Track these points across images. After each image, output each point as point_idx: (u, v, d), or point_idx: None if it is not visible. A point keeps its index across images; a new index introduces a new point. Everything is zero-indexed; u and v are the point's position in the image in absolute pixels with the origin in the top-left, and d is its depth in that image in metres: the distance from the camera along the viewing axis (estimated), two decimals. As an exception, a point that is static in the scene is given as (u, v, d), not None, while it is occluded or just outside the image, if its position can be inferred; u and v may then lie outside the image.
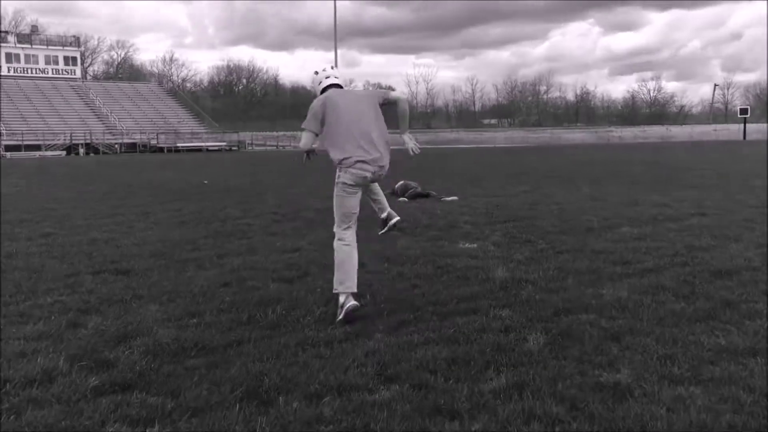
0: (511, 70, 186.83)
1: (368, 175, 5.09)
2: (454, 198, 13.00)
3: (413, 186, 13.46)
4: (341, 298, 5.07)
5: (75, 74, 77.25)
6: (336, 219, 5.28)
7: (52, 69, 75.27)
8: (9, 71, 71.65)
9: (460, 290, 5.90)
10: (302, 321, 5.04)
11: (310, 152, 5.36)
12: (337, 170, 5.14)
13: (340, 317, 4.98)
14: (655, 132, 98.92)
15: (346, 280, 5.09)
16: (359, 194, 5.21)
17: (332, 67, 5.46)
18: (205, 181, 17.32)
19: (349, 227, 5.24)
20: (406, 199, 12.86)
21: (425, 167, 24.14)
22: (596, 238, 8.44)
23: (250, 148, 71.63)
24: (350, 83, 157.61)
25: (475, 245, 8.17)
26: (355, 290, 5.12)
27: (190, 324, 4.97)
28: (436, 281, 6.31)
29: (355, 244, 5.26)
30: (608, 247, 7.74)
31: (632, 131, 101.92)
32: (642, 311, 5.18)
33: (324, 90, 5.33)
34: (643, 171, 20.87)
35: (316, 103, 5.17)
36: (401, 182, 13.86)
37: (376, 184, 5.62)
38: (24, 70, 73.30)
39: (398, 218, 6.21)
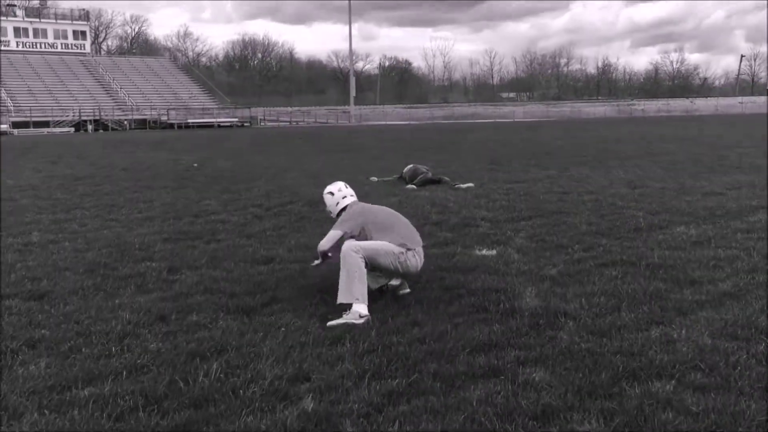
0: (530, 42, 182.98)
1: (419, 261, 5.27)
2: (470, 185, 11.32)
3: (423, 171, 11.79)
4: (356, 309, 4.67)
5: (84, 49, 75.83)
6: (367, 248, 5.03)
7: (61, 43, 73.89)
8: (17, 46, 70.42)
9: (475, 331, 4.29)
10: (243, 394, 3.45)
11: (325, 256, 5.32)
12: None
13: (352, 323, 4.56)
14: (679, 105, 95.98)
15: (360, 293, 4.77)
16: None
17: (346, 186, 5.57)
18: (195, 164, 15.77)
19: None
20: (414, 186, 11.20)
21: (439, 146, 22.39)
22: (646, 242, 6.76)
23: (262, 123, 70.06)
24: (366, 57, 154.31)
25: (495, 252, 6.54)
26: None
27: (77, 400, 3.39)
28: (442, 314, 4.69)
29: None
30: (666, 258, 6.06)
31: (655, 104, 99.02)
32: (739, 375, 3.54)
33: (344, 209, 5.45)
34: (677, 148, 19.00)
35: (352, 212, 5.36)
36: (410, 165, 12.19)
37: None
38: (33, 45, 71.99)
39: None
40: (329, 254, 5.27)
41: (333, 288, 4.83)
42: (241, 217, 8.54)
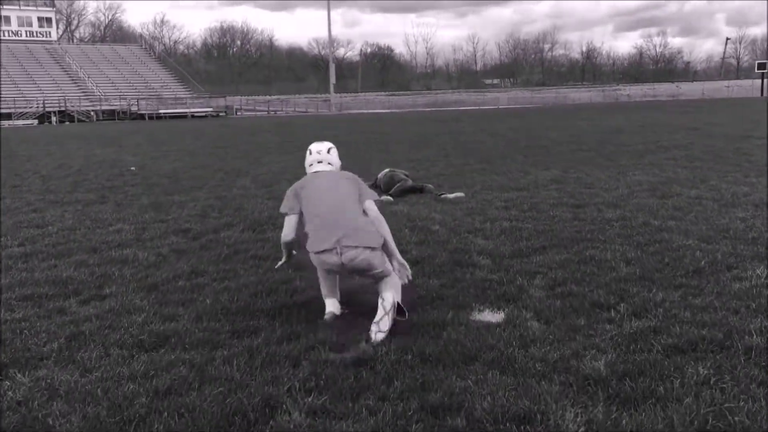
0: (514, 27, 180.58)
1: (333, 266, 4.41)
2: (459, 195, 9.14)
3: (402, 177, 9.59)
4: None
5: (50, 36, 72.54)
6: None
7: (26, 31, 70.58)
8: (-21, 34, 67.04)
9: None
10: None
11: (289, 252, 4.85)
12: None
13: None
14: (665, 90, 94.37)
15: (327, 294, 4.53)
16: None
17: (329, 151, 4.74)
18: (133, 168, 13.45)
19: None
20: (390, 197, 9.00)
21: (421, 138, 20.19)
22: (722, 297, 4.63)
23: (238, 113, 67.39)
24: (347, 44, 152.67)
25: (502, 316, 4.40)
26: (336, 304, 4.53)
27: None
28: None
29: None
30: (763, 336, 3.93)
31: (641, 89, 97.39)
32: None
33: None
34: (688, 140, 16.94)
35: (291, 188, 4.73)
36: (386, 171, 10.00)
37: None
38: (-5, 33, 68.62)
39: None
40: (293, 250, 4.80)
41: None
42: (154, 252, 6.29)
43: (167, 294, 5.02)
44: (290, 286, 5.14)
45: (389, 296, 4.23)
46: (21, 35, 70.06)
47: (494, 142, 18.46)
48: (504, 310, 4.53)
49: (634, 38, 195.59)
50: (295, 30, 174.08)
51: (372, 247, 4.31)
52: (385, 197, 8.93)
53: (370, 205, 4.54)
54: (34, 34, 71.05)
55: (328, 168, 4.71)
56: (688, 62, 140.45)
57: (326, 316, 4.42)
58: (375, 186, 9.93)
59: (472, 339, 4.01)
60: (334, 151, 4.79)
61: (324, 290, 4.57)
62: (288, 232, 4.63)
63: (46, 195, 9.95)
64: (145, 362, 3.79)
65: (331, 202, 4.43)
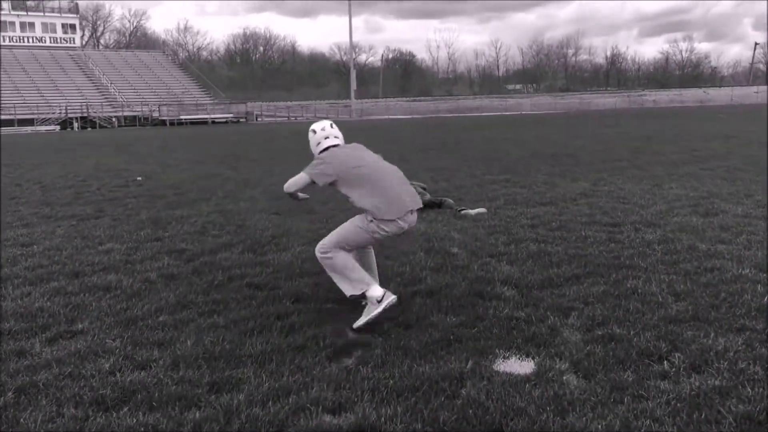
0: (537, 32, 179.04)
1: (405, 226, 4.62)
2: (481, 211, 8.42)
3: (419, 191, 8.89)
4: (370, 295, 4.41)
5: (74, 42, 73.05)
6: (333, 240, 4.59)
7: (50, 37, 71.15)
8: (4, 40, 67.59)
9: None
10: None
11: (294, 196, 4.89)
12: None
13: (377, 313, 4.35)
14: (692, 95, 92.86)
15: (360, 278, 4.49)
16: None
17: (331, 125, 4.91)
18: (139, 178, 12.89)
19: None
20: (406, 213, 8.30)
21: (442, 146, 19.48)
22: (796, 345, 3.88)
23: (259, 119, 67.20)
24: (369, 50, 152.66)
25: (532, 367, 3.71)
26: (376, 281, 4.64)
27: None
28: None
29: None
30: None
31: (667, 95, 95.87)
32: None
33: (324, 151, 4.76)
34: (724, 149, 16.04)
35: (328, 155, 4.69)
36: (402, 183, 9.29)
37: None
38: (20, 39, 69.28)
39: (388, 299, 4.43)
40: (298, 196, 4.88)
41: None
42: (141, 277, 5.66)
43: (145, 331, 4.37)
44: (286, 322, 4.47)
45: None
46: (45, 41, 70.62)
47: (518, 150, 17.69)
48: (534, 359, 3.82)
49: (659, 43, 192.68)
50: (317, 36, 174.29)
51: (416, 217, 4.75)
52: (400, 213, 8.23)
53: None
54: (58, 40, 71.58)
55: (341, 141, 4.88)
56: (715, 67, 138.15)
57: (390, 300, 4.40)
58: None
59: (496, 400, 3.31)
60: (336, 126, 4.96)
61: (364, 277, 4.51)
62: (294, 188, 4.68)
63: (41, 208, 9.37)
64: (100, 427, 3.14)
65: (394, 175, 4.69)
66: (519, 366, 3.76)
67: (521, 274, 5.48)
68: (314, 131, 4.87)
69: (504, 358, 3.86)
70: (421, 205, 4.76)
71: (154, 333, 4.34)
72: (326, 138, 4.81)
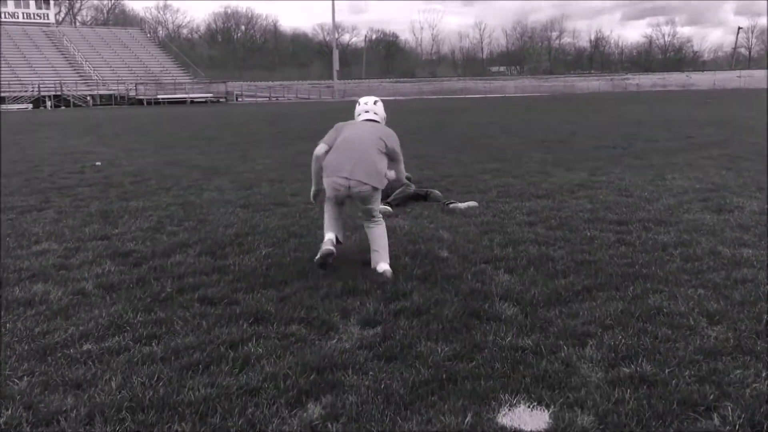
0: (521, 15, 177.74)
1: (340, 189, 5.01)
2: (473, 204, 7.60)
3: (404, 181, 8.04)
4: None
5: (48, 18, 70.79)
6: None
7: (23, 13, 68.84)
8: (-26, 16, 65.35)
9: None
10: None
11: (316, 195, 5.41)
12: None
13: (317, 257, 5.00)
14: (675, 79, 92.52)
15: (327, 228, 5.18)
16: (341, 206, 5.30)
17: (375, 102, 5.49)
18: (98, 163, 11.90)
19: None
20: (389, 207, 7.46)
21: (425, 132, 18.62)
22: None
23: (239, 99, 65.81)
24: (353, 30, 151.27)
25: (546, 420, 2.92)
26: (333, 236, 5.16)
27: None
28: None
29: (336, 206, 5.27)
30: None
31: (651, 78, 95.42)
32: None
33: None
34: (720, 135, 15.34)
35: (338, 125, 5.37)
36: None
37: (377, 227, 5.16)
38: (-9, 15, 66.97)
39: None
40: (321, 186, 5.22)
41: None
42: (74, 288, 4.77)
43: (63, 366, 3.51)
44: (240, 353, 3.63)
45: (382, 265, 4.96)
46: (18, 17, 68.38)
47: (506, 136, 16.87)
48: (548, 407, 3.03)
49: (641, 27, 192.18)
50: (300, 16, 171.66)
51: (375, 187, 5.01)
52: (382, 207, 7.39)
53: (397, 171, 5.43)
54: (32, 16, 69.34)
55: (374, 118, 5.38)
56: (696, 51, 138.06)
57: (323, 246, 5.00)
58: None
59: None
60: (380, 104, 5.50)
61: (326, 225, 5.20)
62: (320, 153, 5.12)
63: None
64: None
65: (359, 144, 5.03)
66: (530, 418, 2.97)
67: (523, 286, 4.67)
68: (358, 103, 5.51)
69: (510, 406, 3.06)
70: (372, 184, 4.97)
71: (73, 369, 3.48)
72: (365, 112, 5.40)
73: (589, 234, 6.15)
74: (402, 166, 5.44)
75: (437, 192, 8.04)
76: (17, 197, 8.35)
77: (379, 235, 5.07)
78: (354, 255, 5.43)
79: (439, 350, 3.65)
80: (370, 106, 5.40)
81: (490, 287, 4.65)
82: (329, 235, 5.10)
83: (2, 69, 59.29)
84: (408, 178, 8.35)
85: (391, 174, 5.30)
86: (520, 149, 13.50)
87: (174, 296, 4.56)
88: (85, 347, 3.74)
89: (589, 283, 4.70)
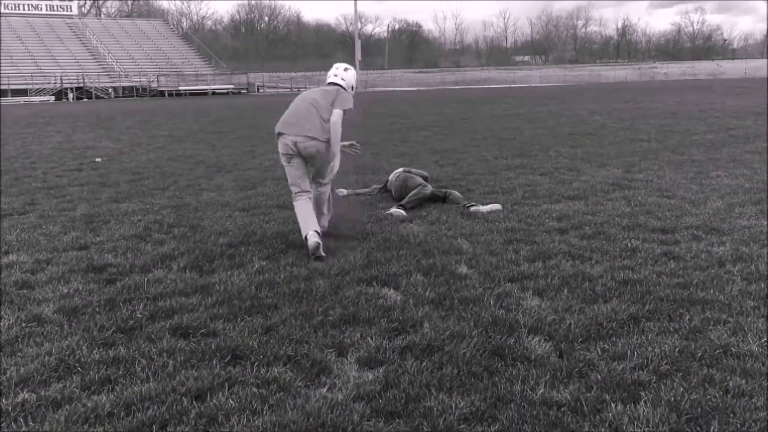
0: (546, 3, 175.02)
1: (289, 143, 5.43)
2: (495, 208, 6.82)
3: (419, 181, 7.29)
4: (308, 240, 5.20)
5: (71, 10, 70.83)
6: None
7: (46, 5, 68.91)
8: (-1, 8, 65.52)
9: None
10: None
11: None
12: None
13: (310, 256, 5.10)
14: (704, 68, 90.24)
15: (305, 226, 5.30)
16: (296, 165, 5.51)
17: (345, 69, 5.75)
18: (98, 159, 11.29)
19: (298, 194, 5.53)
20: (402, 210, 6.70)
21: (446, 124, 17.81)
22: None
23: (260, 90, 65.28)
24: (376, 20, 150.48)
25: None
26: (316, 228, 5.29)
27: None
28: None
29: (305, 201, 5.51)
30: None
31: (679, 67, 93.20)
32: None
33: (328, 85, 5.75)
34: (761, 127, 14.34)
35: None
36: (399, 171, 7.72)
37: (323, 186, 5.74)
38: (15, 7, 67.12)
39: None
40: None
41: None
42: (31, 313, 4.10)
43: (-12, 423, 2.84)
44: (207, 405, 2.93)
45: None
46: (41, 9, 68.46)
47: (532, 128, 16.01)
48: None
49: (670, 15, 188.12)
50: (323, 6, 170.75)
51: (314, 138, 5.36)
52: (395, 210, 6.66)
53: (335, 113, 5.42)
54: (55, 8, 69.37)
55: (340, 83, 5.62)
56: (726, 39, 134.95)
57: (309, 244, 5.15)
58: (384, 190, 7.71)
59: None
60: (352, 73, 5.70)
61: (301, 224, 5.34)
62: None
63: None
64: None
65: (303, 105, 5.48)
66: None
67: (556, 314, 3.92)
68: (333, 68, 5.75)
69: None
70: (314, 136, 5.34)
71: (-2, 428, 2.81)
72: (334, 76, 5.66)
73: (629, 245, 5.36)
74: (338, 115, 5.42)
75: (457, 193, 7.27)
76: (3, 198, 7.73)
77: (319, 200, 5.68)
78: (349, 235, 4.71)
79: (453, 406, 2.92)
80: (339, 72, 5.67)
81: (516, 315, 3.91)
82: (308, 233, 5.20)
83: (25, 61, 59.40)
84: (425, 177, 7.63)
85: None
86: (546, 143, 12.66)
87: (143, 324, 3.88)
88: (20, 397, 3.06)
89: (636, 311, 3.93)
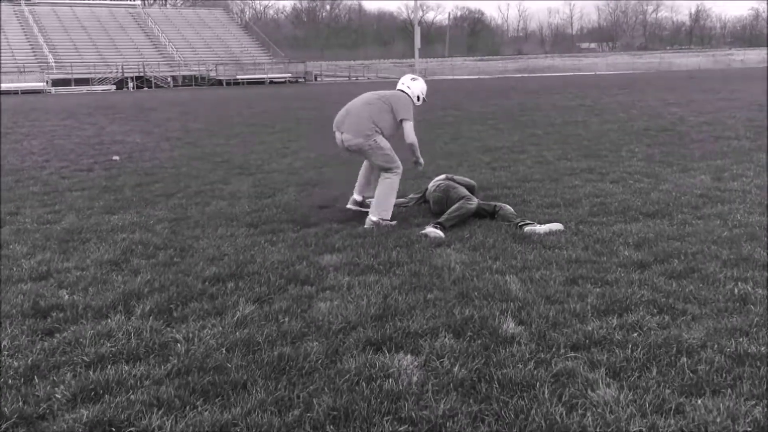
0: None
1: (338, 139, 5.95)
2: (555, 228, 5.51)
3: (463, 193, 6.04)
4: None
5: (134, 0, 71.67)
6: None
7: (111, -5, 69.92)
8: (63, -2, 66.79)
9: None
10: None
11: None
12: None
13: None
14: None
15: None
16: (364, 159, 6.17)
17: (412, 79, 6.19)
18: (116, 158, 10.40)
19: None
20: (440, 230, 5.47)
21: (504, 115, 16.37)
22: None
23: (318, 79, 64.63)
24: (437, 7, 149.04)
25: None
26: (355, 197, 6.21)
27: None
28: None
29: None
30: None
31: (758, 54, 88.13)
32: None
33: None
34: None
35: None
36: (440, 178, 6.50)
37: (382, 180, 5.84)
38: (82, -3, 68.36)
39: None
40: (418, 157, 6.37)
41: None
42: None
43: None
44: None
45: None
46: (106, -1, 69.49)
47: (600, 122, 14.45)
48: None
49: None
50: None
51: (353, 135, 5.81)
52: (431, 230, 5.43)
53: (406, 126, 5.90)
54: (119, -2, 70.30)
55: (405, 90, 6.10)
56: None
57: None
58: (423, 200, 6.51)
59: None
60: (419, 83, 6.17)
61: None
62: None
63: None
64: None
65: (357, 103, 5.96)
66: None
67: (644, 417, 2.64)
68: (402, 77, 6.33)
69: None
70: (353, 139, 5.77)
71: None
72: (401, 83, 6.18)
73: (736, 291, 4.00)
74: (408, 127, 5.85)
75: (508, 207, 5.99)
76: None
77: (379, 191, 5.79)
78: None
79: None
80: (406, 80, 6.18)
81: (583, 420, 2.65)
82: (352, 197, 6.17)
83: (89, 51, 60.28)
84: (471, 188, 6.38)
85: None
86: (617, 140, 11.17)
87: (56, 413, 2.79)
88: None
89: (763, 416, 2.63)
